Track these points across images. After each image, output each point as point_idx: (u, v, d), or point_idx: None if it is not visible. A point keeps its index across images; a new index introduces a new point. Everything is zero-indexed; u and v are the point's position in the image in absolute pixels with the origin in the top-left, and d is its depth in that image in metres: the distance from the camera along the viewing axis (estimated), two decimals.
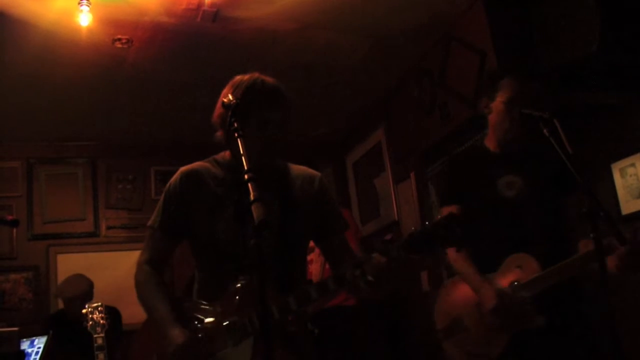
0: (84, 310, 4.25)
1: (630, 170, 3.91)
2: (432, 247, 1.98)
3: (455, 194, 2.99)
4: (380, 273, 2.01)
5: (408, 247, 1.99)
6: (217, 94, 2.30)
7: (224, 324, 2.17)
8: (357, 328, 4.70)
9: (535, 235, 2.76)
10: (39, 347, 4.09)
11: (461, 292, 2.88)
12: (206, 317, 2.23)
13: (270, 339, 1.71)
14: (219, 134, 2.31)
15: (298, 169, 2.48)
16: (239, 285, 2.19)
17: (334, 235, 2.47)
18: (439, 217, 1.98)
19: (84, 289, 5.17)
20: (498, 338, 2.67)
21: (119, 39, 4.48)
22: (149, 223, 2.44)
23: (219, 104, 2.31)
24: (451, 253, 2.87)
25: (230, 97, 2.11)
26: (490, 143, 3.02)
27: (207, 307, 2.25)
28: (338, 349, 4.46)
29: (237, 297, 2.18)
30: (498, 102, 2.92)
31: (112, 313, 4.44)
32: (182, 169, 2.42)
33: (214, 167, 2.40)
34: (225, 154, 2.43)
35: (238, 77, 2.32)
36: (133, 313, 6.24)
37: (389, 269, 2.01)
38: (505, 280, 2.71)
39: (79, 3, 3.91)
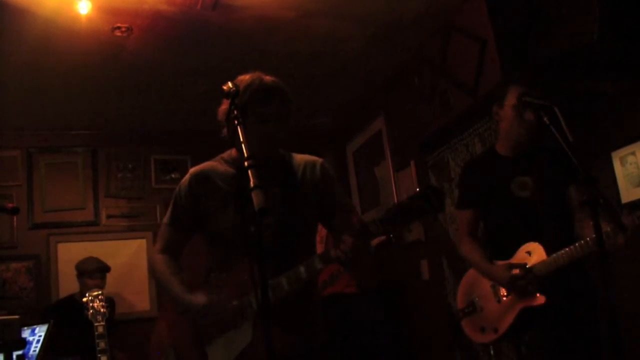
0: (84, 299, 4.28)
1: (631, 159, 3.91)
2: (408, 218, 2.13)
3: (469, 199, 3.29)
4: (357, 249, 2.16)
5: (386, 221, 2.13)
6: (217, 82, 2.29)
7: (228, 307, 2.31)
8: (357, 315, 4.72)
9: (546, 227, 2.96)
10: (40, 336, 4.09)
11: (477, 278, 3.25)
12: (213, 301, 2.36)
13: (269, 321, 1.78)
14: (225, 131, 2.34)
15: (300, 157, 2.56)
16: (242, 270, 2.28)
17: (340, 219, 2.56)
18: (417, 189, 2.15)
19: (104, 263, 5.42)
20: (507, 315, 3.01)
21: (119, 27, 4.46)
22: (163, 220, 2.62)
23: (223, 105, 2.37)
24: (465, 247, 3.27)
25: (230, 84, 2.13)
26: (501, 148, 3.23)
27: (215, 294, 2.37)
28: (339, 335, 4.48)
29: (239, 282, 2.29)
30: (507, 109, 3.09)
31: (107, 302, 4.49)
32: (192, 170, 2.55)
33: (221, 165, 2.51)
34: (232, 152, 2.52)
35: (239, 77, 2.39)
36: (132, 302, 6.27)
37: (362, 245, 2.18)
38: (516, 263, 3.00)
39: None
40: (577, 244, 2.78)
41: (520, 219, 3.05)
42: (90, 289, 5.14)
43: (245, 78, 2.37)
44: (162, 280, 2.53)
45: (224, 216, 2.40)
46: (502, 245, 3.10)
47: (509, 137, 3.16)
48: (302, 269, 2.26)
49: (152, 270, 2.64)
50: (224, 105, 2.33)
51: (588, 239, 2.74)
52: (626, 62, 3.87)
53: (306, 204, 2.45)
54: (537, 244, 2.95)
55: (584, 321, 2.91)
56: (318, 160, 2.56)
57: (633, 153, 3.89)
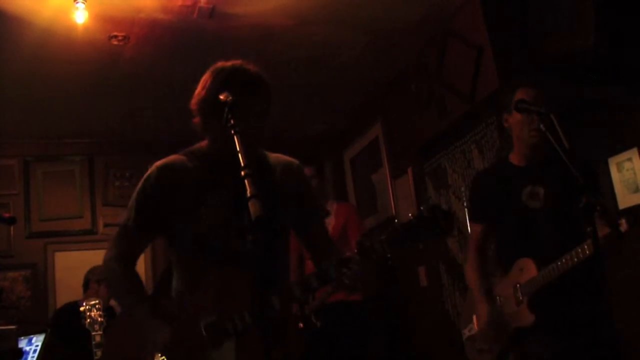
0: (82, 308, 4.25)
1: (627, 165, 3.91)
2: (415, 241, 1.95)
3: (480, 213, 3.22)
4: (365, 271, 2.01)
5: (391, 242, 1.96)
6: None
7: (203, 324, 2.06)
8: (360, 323, 4.70)
9: (554, 239, 2.86)
10: (37, 346, 4.08)
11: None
12: (185, 316, 2.12)
13: (269, 340, 1.67)
14: (196, 120, 2.23)
15: (276, 157, 2.40)
16: (217, 281, 2.10)
17: (314, 224, 2.44)
18: (422, 208, 1.94)
19: None
20: (499, 337, 3.01)
21: (115, 36, 4.47)
22: (122, 221, 2.30)
23: (198, 90, 2.23)
24: (468, 266, 3.24)
25: (226, 94, 2.05)
26: (515, 158, 3.09)
27: (185, 306, 2.14)
28: (340, 343, 4.47)
29: (216, 295, 2.08)
30: (515, 114, 2.94)
31: (108, 311, 4.44)
32: (157, 163, 2.32)
33: (189, 160, 2.29)
34: (202, 145, 2.34)
35: (220, 64, 2.27)
36: None
37: (366, 268, 2.00)
38: (510, 281, 2.98)
39: (75, 0, 3.90)
40: (564, 257, 2.67)
41: (529, 230, 2.94)
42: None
43: (226, 65, 2.23)
44: (126, 293, 2.25)
45: (199, 217, 2.17)
46: (510, 258, 2.99)
47: (521, 144, 3.01)
48: (296, 288, 2.06)
49: (112, 281, 2.31)
50: (200, 90, 2.21)
51: (577, 249, 2.61)
52: (622, 68, 3.88)
53: (285, 206, 2.26)
54: (530, 260, 2.86)
55: (587, 332, 2.77)
56: (294, 161, 2.41)
57: (630, 159, 3.89)
